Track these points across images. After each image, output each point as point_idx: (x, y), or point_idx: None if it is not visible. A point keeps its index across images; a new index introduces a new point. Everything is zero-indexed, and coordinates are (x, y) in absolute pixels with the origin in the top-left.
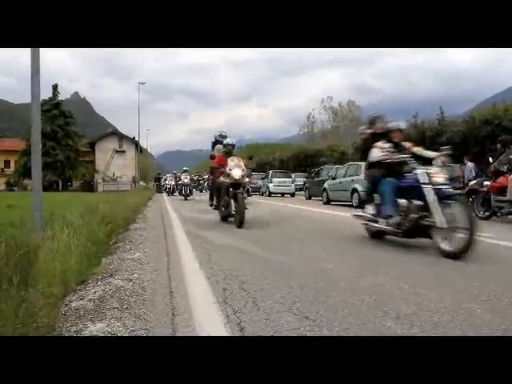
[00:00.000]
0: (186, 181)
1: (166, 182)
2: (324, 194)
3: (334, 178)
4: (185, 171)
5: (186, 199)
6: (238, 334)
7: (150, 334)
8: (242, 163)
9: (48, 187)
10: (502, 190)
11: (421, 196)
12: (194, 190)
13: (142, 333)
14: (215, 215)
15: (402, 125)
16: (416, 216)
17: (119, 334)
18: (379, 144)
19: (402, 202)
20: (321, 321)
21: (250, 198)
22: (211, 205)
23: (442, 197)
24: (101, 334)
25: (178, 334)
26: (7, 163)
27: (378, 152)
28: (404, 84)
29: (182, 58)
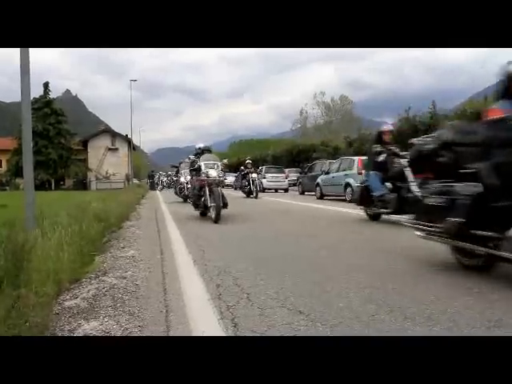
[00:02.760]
0: (213, 174)
1: (180, 179)
2: (317, 188)
3: (327, 173)
4: (205, 151)
5: (215, 221)
6: (231, 329)
7: (145, 332)
8: None
9: (40, 186)
10: None
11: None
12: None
13: (136, 330)
14: None
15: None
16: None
17: (113, 332)
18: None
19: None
20: (314, 315)
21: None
22: None
23: None
24: (94, 333)
25: (171, 331)
26: None
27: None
28: (397, 78)
29: (175, 55)
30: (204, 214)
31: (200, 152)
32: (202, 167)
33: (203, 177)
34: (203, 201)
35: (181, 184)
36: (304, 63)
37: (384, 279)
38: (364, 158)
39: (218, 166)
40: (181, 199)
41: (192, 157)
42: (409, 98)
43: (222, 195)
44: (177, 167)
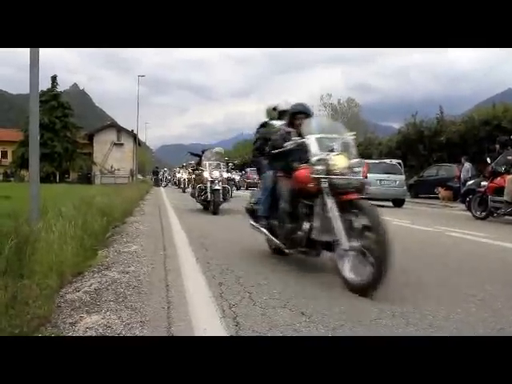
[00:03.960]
0: (341, 164)
1: (204, 174)
2: None
3: None
4: (299, 113)
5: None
6: (233, 328)
7: (146, 328)
8: None
9: (45, 179)
10: (499, 191)
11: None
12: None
13: (138, 326)
14: None
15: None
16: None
17: (114, 327)
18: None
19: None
20: (316, 317)
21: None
22: None
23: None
24: (96, 326)
25: (173, 328)
26: (4, 154)
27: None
28: (404, 83)
29: (182, 52)
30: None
31: (292, 113)
32: (312, 149)
33: (317, 171)
34: (306, 230)
35: (202, 182)
36: (310, 65)
37: None
38: (370, 161)
39: (348, 145)
40: (198, 205)
41: (277, 124)
42: (415, 102)
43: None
44: (199, 156)
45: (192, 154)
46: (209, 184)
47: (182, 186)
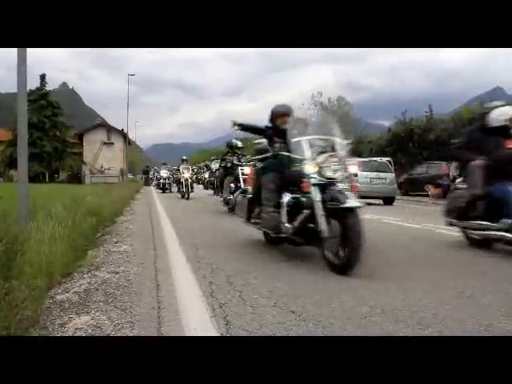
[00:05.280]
0: None
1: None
2: None
3: None
4: None
5: None
6: (223, 327)
7: (136, 328)
8: None
9: (34, 178)
10: None
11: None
12: None
13: (128, 326)
14: None
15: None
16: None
17: (104, 328)
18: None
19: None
20: (306, 315)
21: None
22: None
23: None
24: (86, 327)
25: (163, 327)
26: None
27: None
28: (395, 81)
29: (174, 50)
30: None
31: None
32: None
33: None
34: None
35: (296, 186)
36: (302, 63)
37: None
38: (361, 159)
39: None
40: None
41: None
42: (406, 100)
43: None
44: (263, 132)
45: (243, 126)
46: (318, 195)
47: (185, 189)
